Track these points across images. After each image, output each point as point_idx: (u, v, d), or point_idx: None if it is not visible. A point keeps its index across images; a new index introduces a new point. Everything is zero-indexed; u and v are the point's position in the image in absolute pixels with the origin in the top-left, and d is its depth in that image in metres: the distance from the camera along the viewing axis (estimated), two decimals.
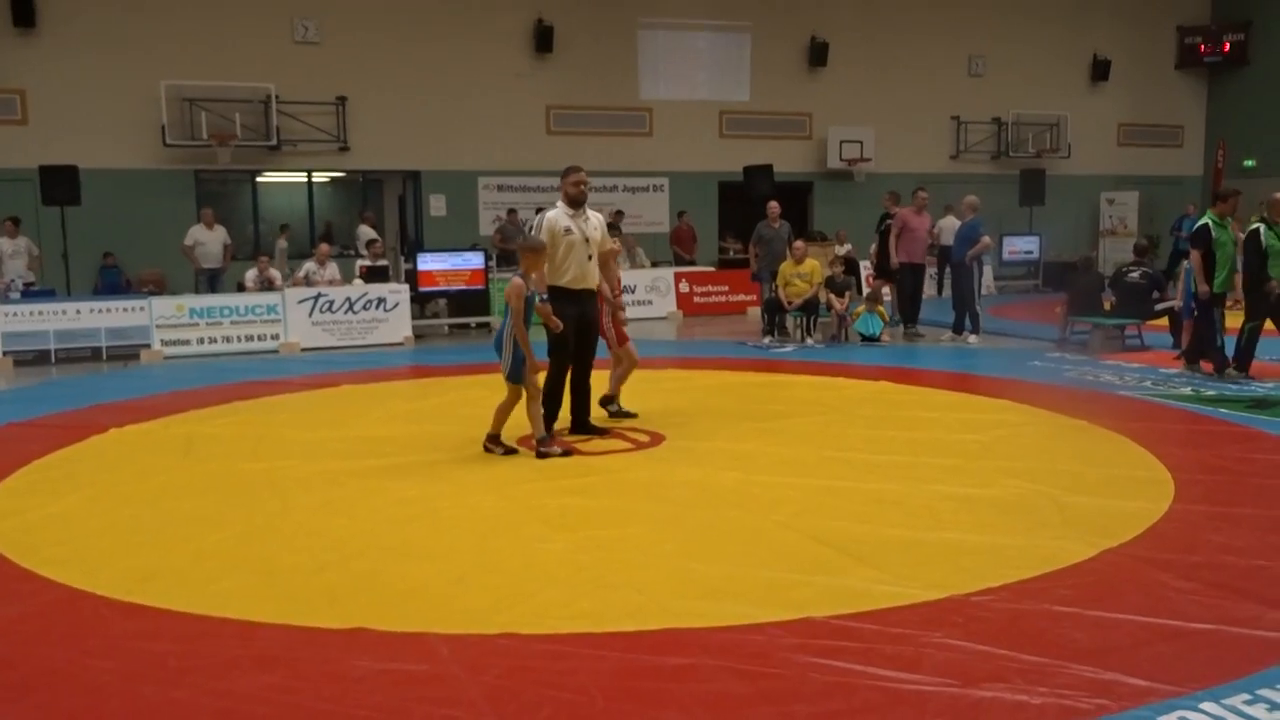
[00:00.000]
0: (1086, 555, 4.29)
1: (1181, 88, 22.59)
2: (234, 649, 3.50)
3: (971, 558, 4.29)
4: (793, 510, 5.02)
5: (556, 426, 6.70)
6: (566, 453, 6.24)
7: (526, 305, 6.12)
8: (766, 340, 12.11)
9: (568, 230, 6.59)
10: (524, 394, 6.19)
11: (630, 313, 14.67)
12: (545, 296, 6.41)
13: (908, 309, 12.48)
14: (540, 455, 6.15)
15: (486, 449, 6.35)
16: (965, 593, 3.88)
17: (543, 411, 6.32)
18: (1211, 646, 3.42)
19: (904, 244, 12.28)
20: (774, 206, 12.86)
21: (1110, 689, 3.10)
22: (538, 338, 6.26)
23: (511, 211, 16.52)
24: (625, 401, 7.53)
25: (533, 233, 6.69)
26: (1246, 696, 3.06)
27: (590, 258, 6.67)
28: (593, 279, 6.75)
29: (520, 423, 6.35)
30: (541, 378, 6.37)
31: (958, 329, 12.09)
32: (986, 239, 11.87)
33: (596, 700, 3.08)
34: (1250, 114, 21.60)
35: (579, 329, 6.67)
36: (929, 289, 14.78)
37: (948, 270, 15.07)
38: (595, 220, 6.80)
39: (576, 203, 6.67)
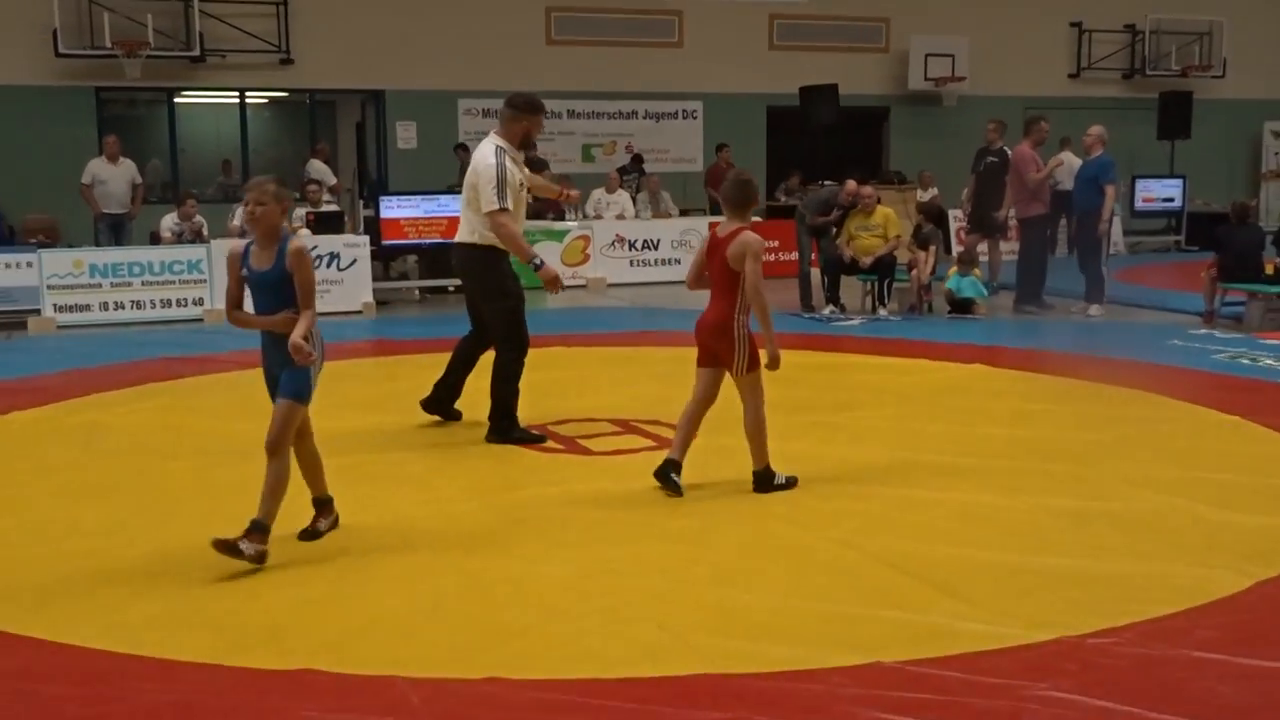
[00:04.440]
0: (1238, 587, 4.30)
1: None
2: (150, 694, 3.55)
3: (1087, 589, 4.31)
4: (856, 526, 5.04)
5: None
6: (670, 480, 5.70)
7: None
8: (827, 311, 12.11)
9: (521, 183, 6.66)
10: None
11: (656, 274, 15.00)
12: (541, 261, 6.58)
13: (1032, 282, 12.21)
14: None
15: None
16: (1079, 634, 3.89)
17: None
18: None
19: (1019, 190, 12.12)
20: (854, 189, 12.18)
21: None
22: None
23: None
24: (640, 393, 7.56)
25: (491, 187, 6.42)
26: None
27: None
28: None
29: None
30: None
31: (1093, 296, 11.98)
32: (1111, 189, 11.73)
33: None
34: None
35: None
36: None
37: (1063, 223, 15.03)
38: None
39: (527, 145, 6.71)
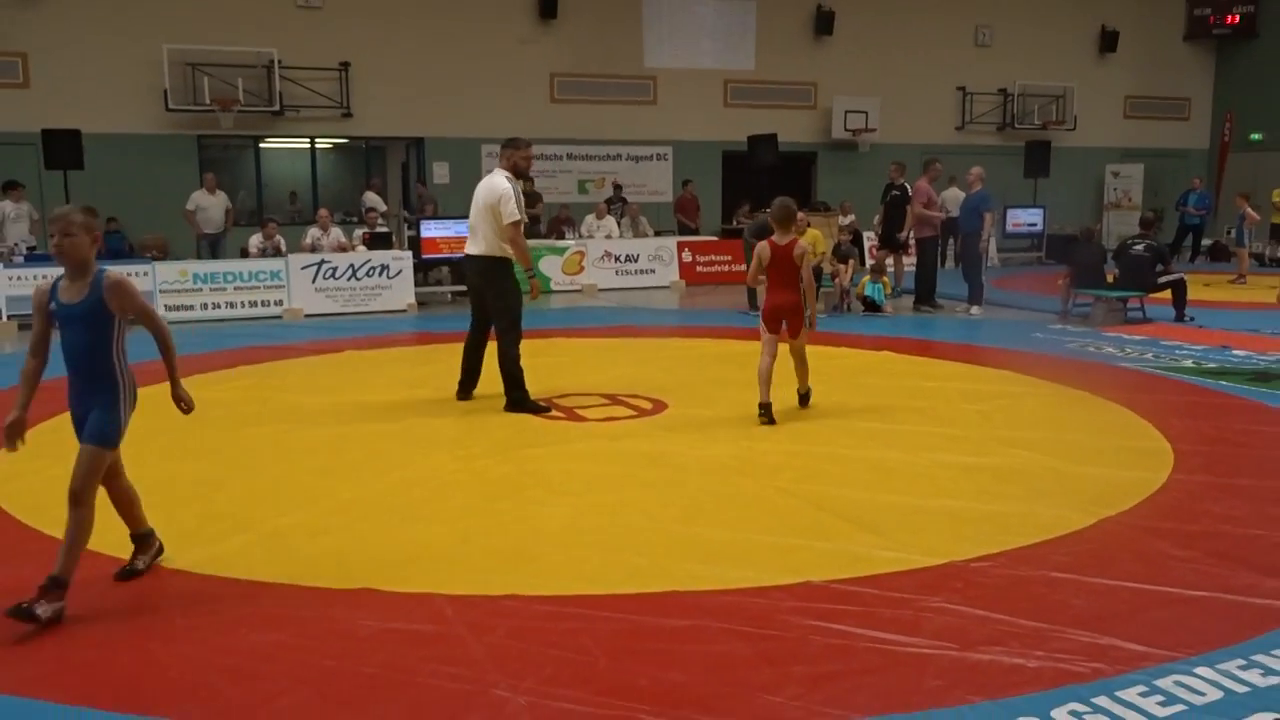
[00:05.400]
0: (1085, 523, 4.31)
1: (1189, 60, 22.40)
2: (240, 608, 3.53)
3: (971, 525, 4.32)
4: (794, 477, 5.05)
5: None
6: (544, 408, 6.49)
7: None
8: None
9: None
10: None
11: (634, 281, 14.97)
12: (536, 272, 6.73)
13: (927, 287, 12.13)
14: None
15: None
16: (964, 559, 3.91)
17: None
18: (1208, 613, 3.45)
19: (921, 217, 12.10)
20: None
21: (1107, 653, 3.13)
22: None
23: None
24: (623, 373, 7.53)
25: (512, 204, 6.50)
26: (1241, 661, 3.09)
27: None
28: None
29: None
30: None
31: (974, 299, 12.04)
32: (989, 216, 11.73)
33: (599, 660, 3.12)
34: (1258, 87, 21.42)
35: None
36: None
37: (951, 242, 15.08)
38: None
39: (520, 174, 6.69)
